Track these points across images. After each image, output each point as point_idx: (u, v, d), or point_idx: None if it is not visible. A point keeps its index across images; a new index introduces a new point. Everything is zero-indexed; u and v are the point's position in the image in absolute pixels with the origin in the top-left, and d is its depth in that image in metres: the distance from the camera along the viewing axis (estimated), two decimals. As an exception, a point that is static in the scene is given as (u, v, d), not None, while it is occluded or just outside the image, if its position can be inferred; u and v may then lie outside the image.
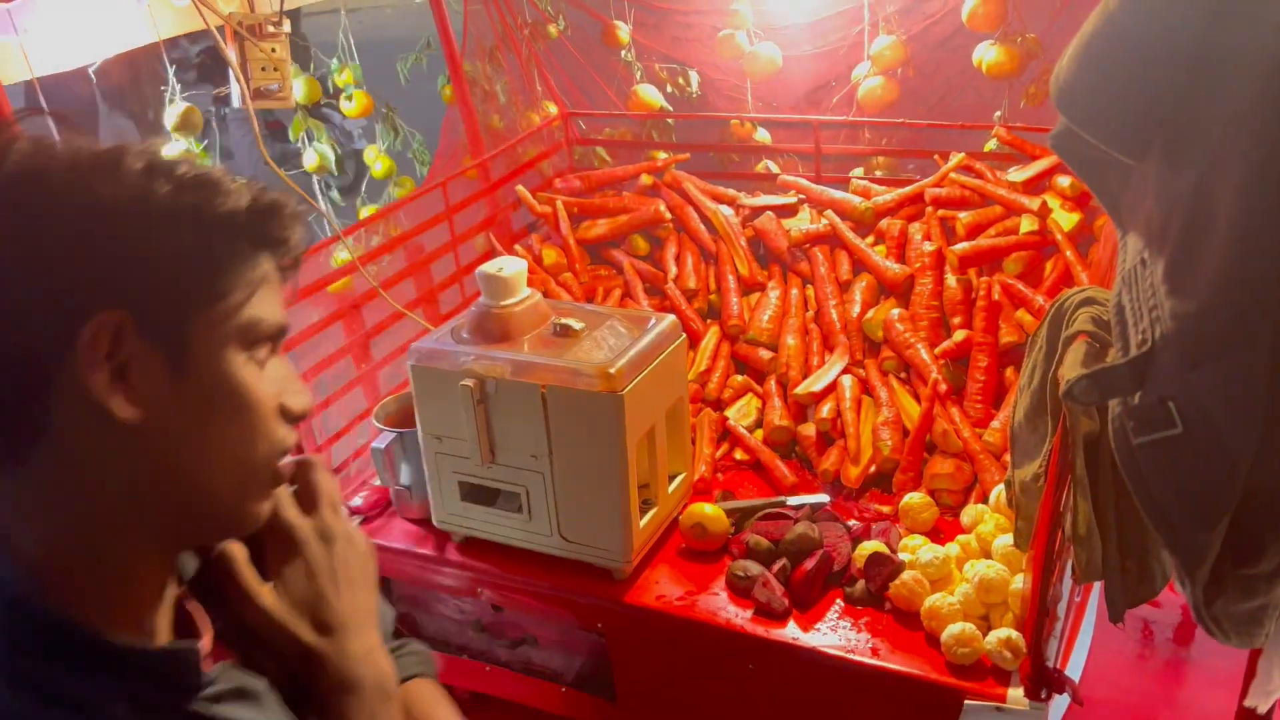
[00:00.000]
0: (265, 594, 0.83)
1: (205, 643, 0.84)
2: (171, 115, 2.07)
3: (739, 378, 2.13)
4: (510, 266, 1.72)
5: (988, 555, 1.64)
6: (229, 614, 0.84)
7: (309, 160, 2.42)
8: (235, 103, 2.08)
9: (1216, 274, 0.91)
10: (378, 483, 2.05)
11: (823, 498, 1.84)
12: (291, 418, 0.82)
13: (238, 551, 0.84)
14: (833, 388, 1.99)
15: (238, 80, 1.93)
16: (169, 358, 0.73)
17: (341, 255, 2.24)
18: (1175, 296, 0.95)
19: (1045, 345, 1.38)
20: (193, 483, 0.77)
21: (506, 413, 1.67)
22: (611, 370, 1.59)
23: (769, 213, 2.31)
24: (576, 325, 1.70)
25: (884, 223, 2.22)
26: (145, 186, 0.71)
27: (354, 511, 1.98)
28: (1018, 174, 2.14)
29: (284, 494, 0.87)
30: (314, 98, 2.38)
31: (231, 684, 0.80)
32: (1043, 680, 1.43)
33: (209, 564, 0.84)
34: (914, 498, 1.77)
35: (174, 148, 2.13)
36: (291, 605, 0.84)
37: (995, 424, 1.85)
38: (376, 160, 2.62)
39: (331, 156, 2.43)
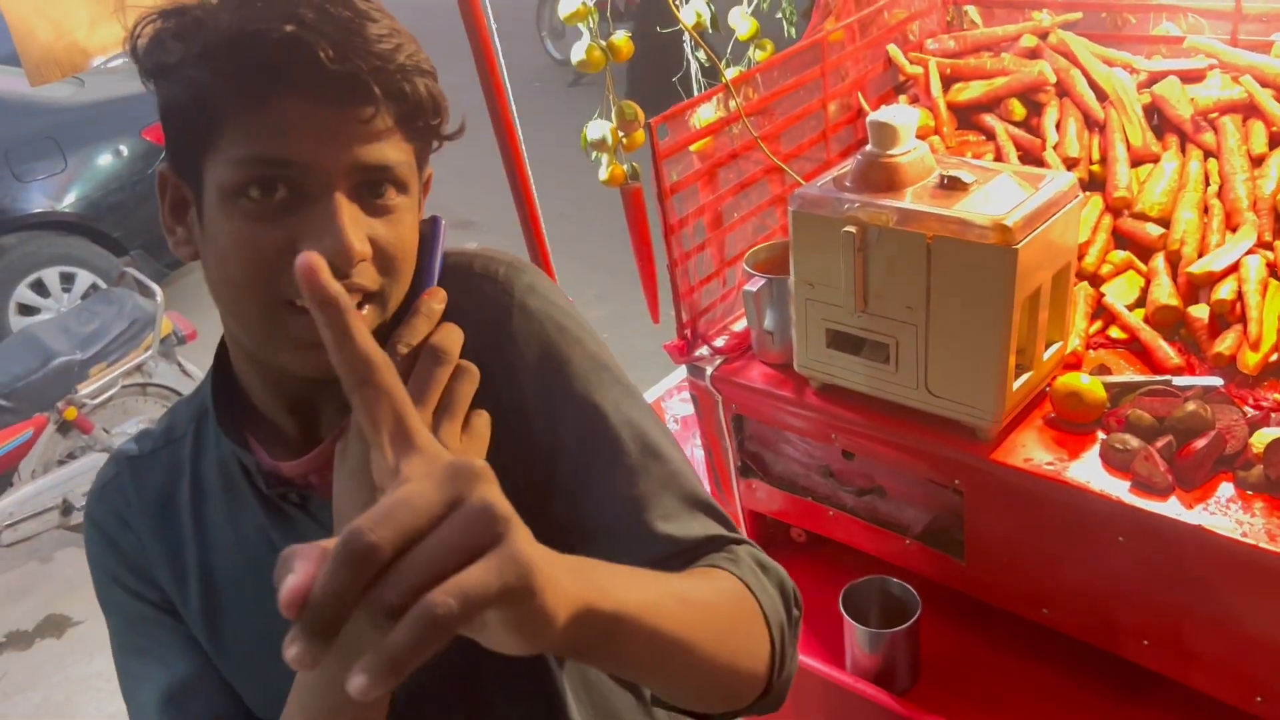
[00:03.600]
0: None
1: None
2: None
3: (1119, 254, 2.01)
4: (902, 115, 1.71)
5: None
6: None
7: (688, 17, 2.48)
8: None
9: None
10: (738, 328, 2.15)
11: (1215, 380, 1.73)
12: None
13: None
14: (1234, 267, 1.84)
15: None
16: (195, 200, 0.88)
17: (706, 116, 2.31)
18: None
19: None
20: (232, 319, 0.93)
21: (886, 262, 1.69)
22: (1008, 223, 1.55)
23: (1172, 77, 2.12)
24: (967, 178, 1.67)
25: (1313, 92, 1.98)
26: (164, 44, 0.83)
27: (716, 351, 2.09)
28: None
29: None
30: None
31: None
32: None
33: None
34: (1327, 389, 1.62)
35: (572, 1, 2.26)
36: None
37: None
38: (743, 21, 2.64)
39: (707, 14, 2.49)
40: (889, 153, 1.71)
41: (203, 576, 1.00)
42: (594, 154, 2.46)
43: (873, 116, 1.71)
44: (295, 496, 0.97)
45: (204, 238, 0.88)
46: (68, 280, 5.96)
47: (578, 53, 2.32)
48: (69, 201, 5.97)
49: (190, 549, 1.00)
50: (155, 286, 4.55)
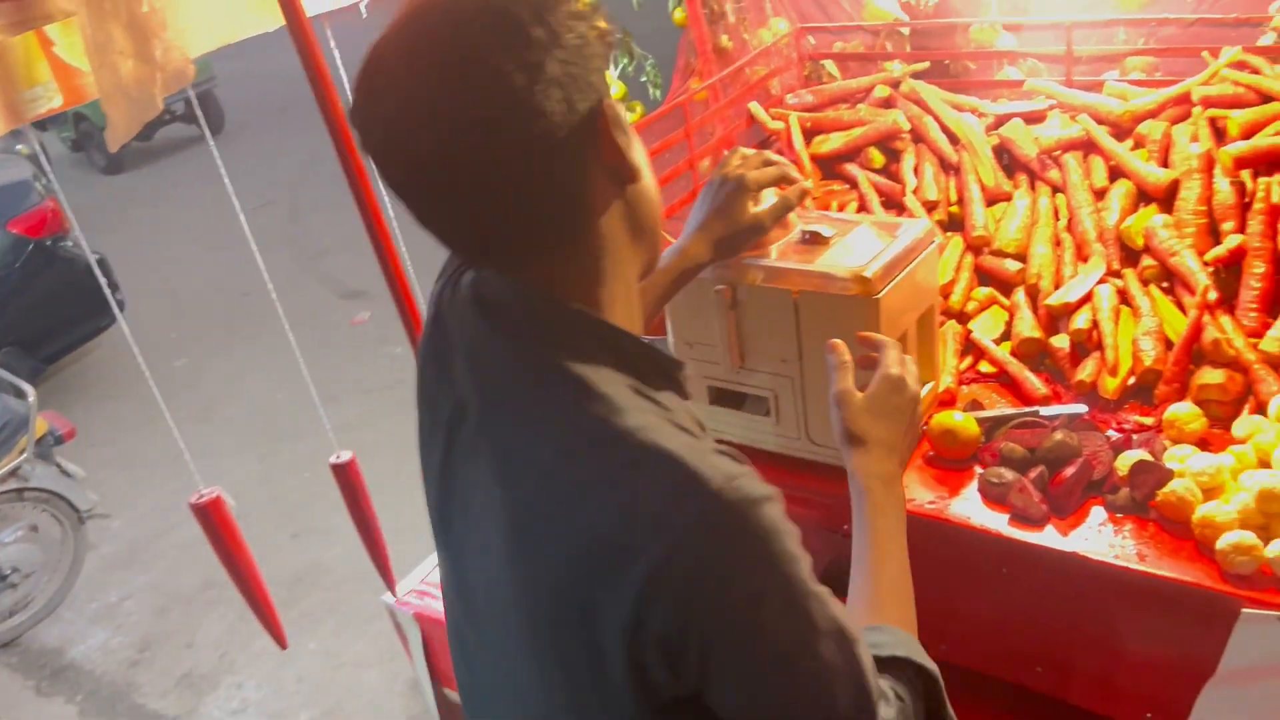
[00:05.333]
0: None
1: None
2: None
3: (983, 290, 2.09)
4: (761, 175, 1.75)
5: (1266, 466, 1.56)
6: None
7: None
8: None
9: None
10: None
11: (1080, 408, 1.80)
12: None
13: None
14: (1088, 298, 1.93)
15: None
16: (620, 132, 0.94)
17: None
18: None
19: (1352, 238, 1.29)
20: (651, 220, 1.01)
21: (758, 318, 1.72)
22: (867, 274, 1.60)
23: (1016, 120, 2.23)
24: (826, 232, 1.72)
25: (1144, 126, 2.11)
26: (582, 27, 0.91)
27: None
28: (1302, 67, 1.98)
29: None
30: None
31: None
32: (1334, 591, 1.37)
33: None
34: (1181, 408, 1.70)
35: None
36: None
37: (1274, 333, 1.74)
38: (611, 85, 2.69)
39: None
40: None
41: None
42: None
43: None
44: None
45: (629, 159, 0.97)
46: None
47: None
48: (-68, 301, 5.70)
49: None
50: (27, 386, 4.35)
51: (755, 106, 2.50)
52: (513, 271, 0.94)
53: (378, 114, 0.88)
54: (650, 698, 0.88)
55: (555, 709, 0.94)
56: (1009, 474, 1.67)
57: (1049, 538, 1.58)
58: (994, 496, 1.67)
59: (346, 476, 2.06)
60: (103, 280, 1.85)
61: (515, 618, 0.92)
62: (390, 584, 2.11)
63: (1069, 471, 1.62)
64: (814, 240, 1.72)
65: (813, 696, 0.91)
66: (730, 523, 0.84)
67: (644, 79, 2.71)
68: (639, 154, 0.98)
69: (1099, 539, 1.56)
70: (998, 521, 1.64)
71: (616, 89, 2.67)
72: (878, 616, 1.20)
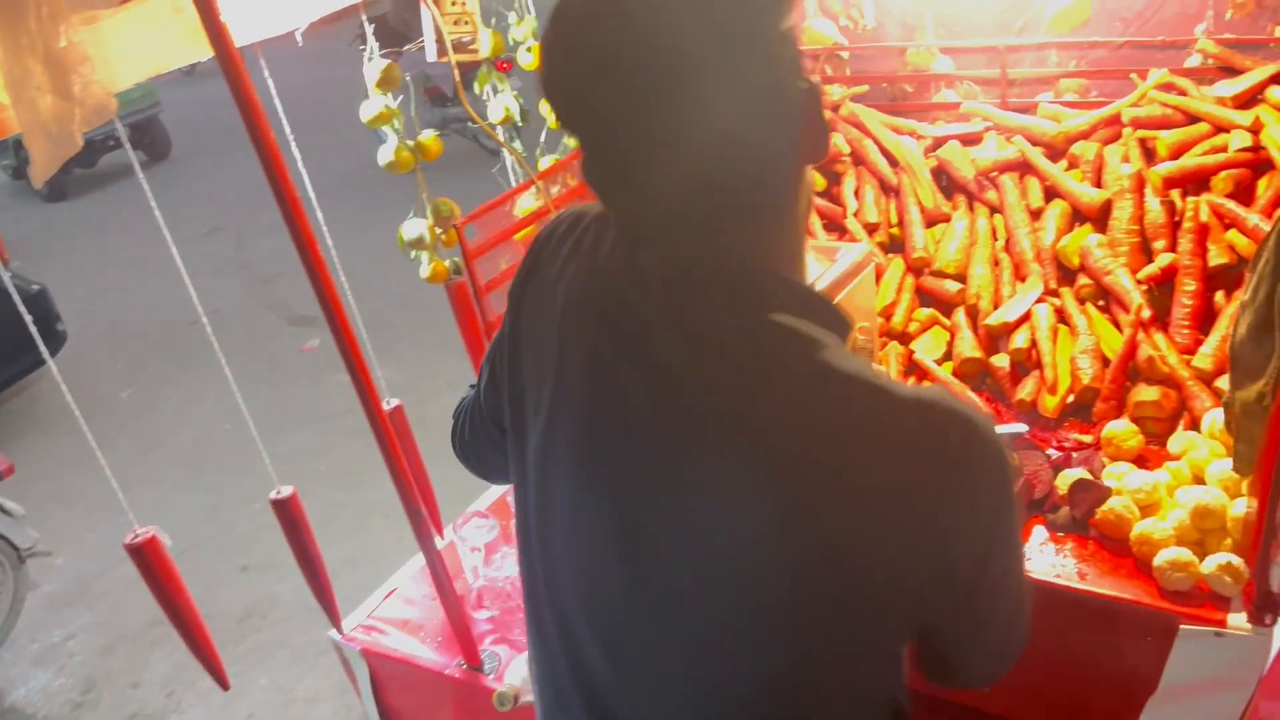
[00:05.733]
0: None
1: None
2: (372, 72, 2.19)
3: (925, 310, 2.10)
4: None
5: (1200, 482, 1.58)
6: None
7: (496, 113, 2.51)
8: (431, 56, 2.17)
9: None
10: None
11: (1020, 427, 1.82)
12: None
13: None
14: (1026, 317, 1.95)
15: (439, 32, 2.02)
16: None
17: (527, 205, 2.33)
18: None
19: (1273, 258, 1.32)
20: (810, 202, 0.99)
21: (700, 344, 1.71)
22: (806, 298, 1.60)
23: (953, 142, 2.26)
24: (767, 257, 1.72)
25: (1077, 147, 2.14)
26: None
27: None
28: (1227, 88, 2.02)
29: None
30: (498, 50, 2.46)
31: None
32: (1268, 605, 1.38)
33: None
34: (1118, 426, 1.72)
35: (373, 104, 2.25)
36: None
37: (1205, 349, 1.77)
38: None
39: (516, 108, 2.51)
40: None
41: None
42: (413, 253, 2.44)
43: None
44: None
45: None
46: None
47: (385, 155, 2.30)
48: None
49: None
50: (-36, 423, 4.23)
51: (698, 131, 2.51)
52: (730, 243, 0.90)
53: (633, 57, 0.82)
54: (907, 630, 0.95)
55: (788, 668, 0.93)
56: (952, 495, 1.67)
57: (992, 558, 1.59)
58: (937, 518, 1.68)
59: (288, 512, 2.01)
60: (28, 317, 1.80)
61: (771, 583, 0.89)
62: (335, 620, 2.07)
63: (1010, 491, 1.63)
64: (754, 265, 1.72)
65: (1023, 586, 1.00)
66: (999, 453, 0.88)
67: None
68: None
69: (1041, 558, 1.58)
70: (941, 543, 1.64)
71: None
72: None
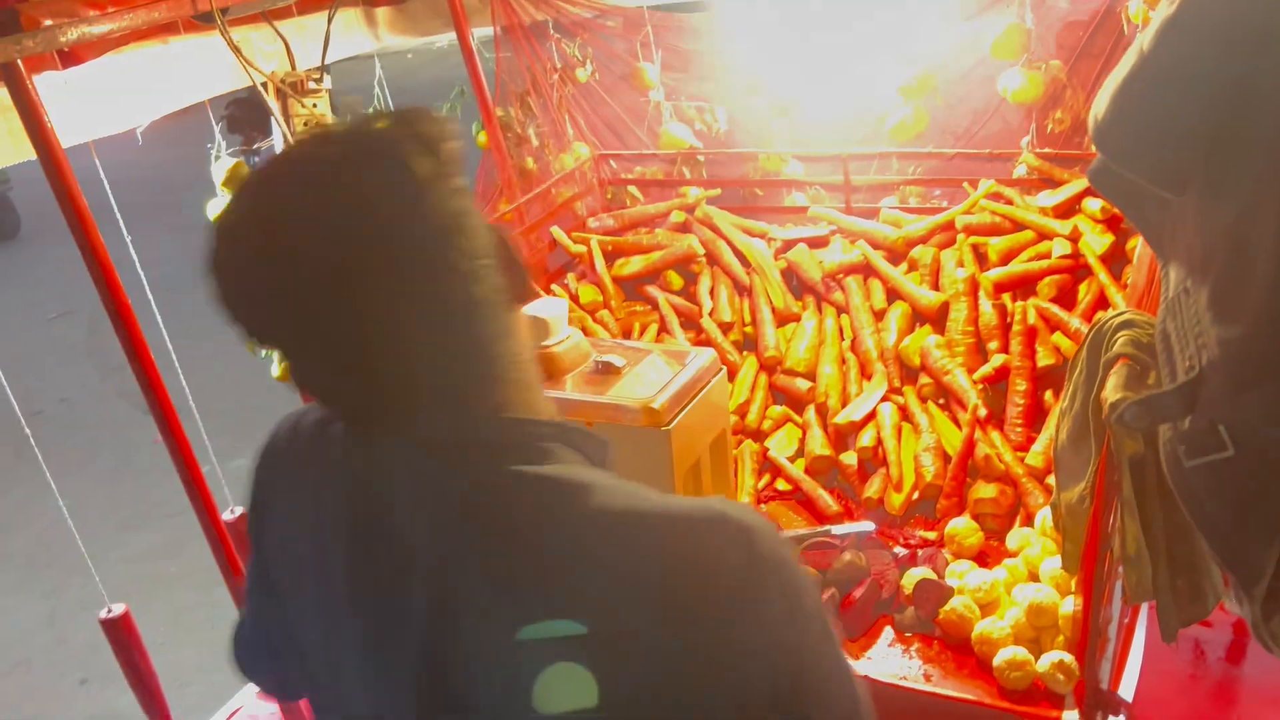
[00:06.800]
0: None
1: None
2: (219, 171, 2.14)
3: (778, 408, 2.15)
4: (552, 308, 1.76)
5: (1036, 579, 1.64)
6: None
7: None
8: (279, 157, 2.14)
9: (1261, 302, 0.93)
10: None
11: (868, 525, 1.86)
12: None
13: None
14: (872, 415, 2.01)
15: (285, 136, 1.99)
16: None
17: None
18: (1221, 324, 0.98)
19: (1086, 368, 1.40)
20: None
21: (553, 450, 1.70)
22: (655, 405, 1.62)
23: (801, 244, 2.35)
24: (618, 362, 1.73)
25: (916, 251, 2.25)
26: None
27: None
28: (1048, 199, 2.17)
29: None
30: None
31: None
32: (1098, 702, 1.43)
33: None
34: (959, 523, 1.78)
35: (221, 202, 2.20)
36: None
37: (1037, 447, 1.86)
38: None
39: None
40: (545, 344, 1.75)
41: None
42: (263, 353, 2.36)
43: (524, 311, 1.75)
44: None
45: None
46: None
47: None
48: None
49: None
50: None
51: (557, 230, 2.53)
52: (462, 404, 0.89)
53: (285, 280, 0.82)
54: None
55: None
56: (803, 597, 1.69)
57: (842, 661, 1.60)
58: (790, 621, 1.69)
59: (118, 633, 1.89)
60: None
61: None
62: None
63: (858, 593, 1.66)
64: (606, 370, 1.73)
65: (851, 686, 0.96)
66: (777, 554, 0.86)
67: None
68: None
69: (889, 660, 1.60)
70: (793, 646, 1.65)
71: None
72: None
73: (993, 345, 2.03)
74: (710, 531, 0.84)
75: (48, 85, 1.65)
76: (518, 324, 0.94)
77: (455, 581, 0.89)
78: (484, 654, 0.90)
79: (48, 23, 1.50)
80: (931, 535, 1.84)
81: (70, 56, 1.86)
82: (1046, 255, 2.09)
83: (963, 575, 1.67)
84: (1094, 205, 2.10)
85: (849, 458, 2.00)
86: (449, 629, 0.91)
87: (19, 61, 1.49)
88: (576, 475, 0.88)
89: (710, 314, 2.31)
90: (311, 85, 2.08)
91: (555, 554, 0.86)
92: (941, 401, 2.03)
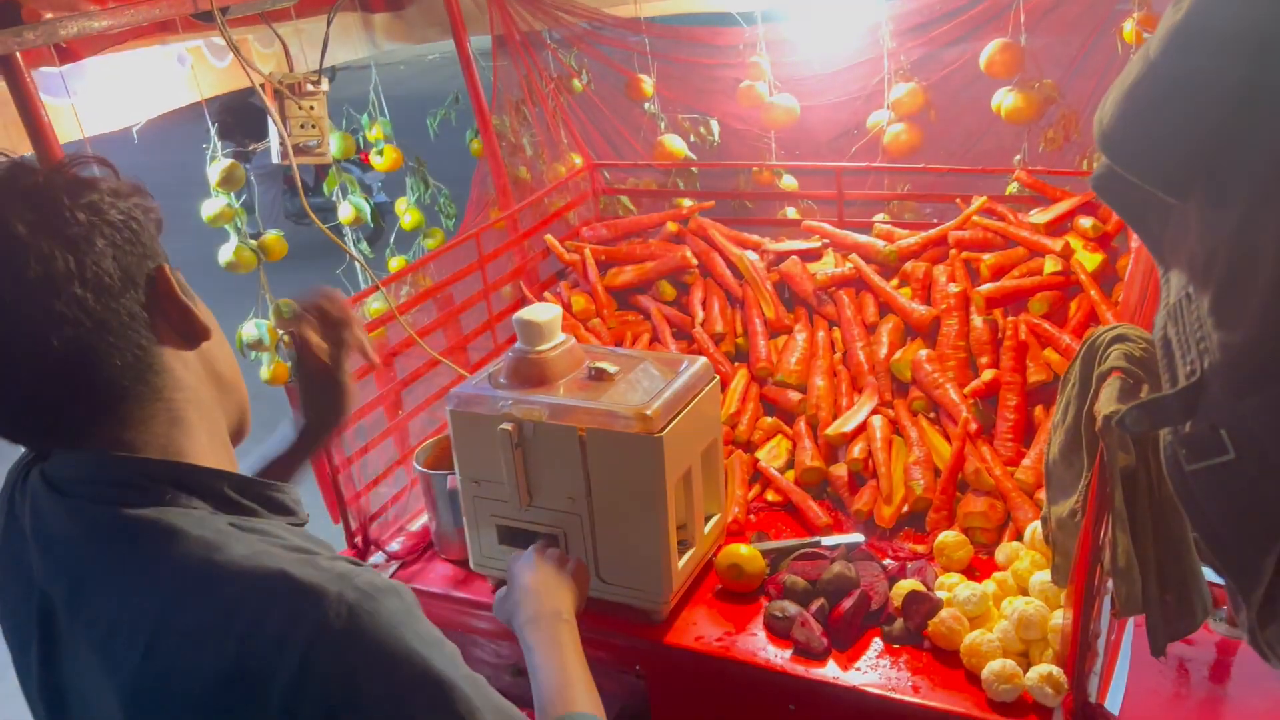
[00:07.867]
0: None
1: None
2: (214, 172, 2.13)
3: (768, 419, 2.15)
4: (545, 312, 1.76)
5: (1024, 592, 1.65)
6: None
7: (344, 213, 2.48)
8: (275, 159, 2.14)
9: (1262, 306, 0.94)
10: (415, 527, 2.08)
11: (857, 537, 1.86)
12: None
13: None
14: (863, 428, 2.02)
15: (280, 137, 1.99)
16: (183, 295, 0.97)
17: (375, 306, 2.29)
18: (1223, 329, 0.98)
19: (1078, 382, 1.40)
20: (231, 371, 1.05)
21: (544, 456, 1.70)
22: (648, 412, 1.61)
23: (794, 257, 2.35)
24: (611, 369, 1.73)
25: (908, 265, 2.26)
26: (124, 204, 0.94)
27: (392, 556, 2.00)
28: (1039, 216, 2.18)
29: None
30: (348, 153, 2.44)
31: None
32: (1086, 716, 1.44)
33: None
34: (949, 536, 1.78)
35: (215, 203, 2.19)
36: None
37: (1026, 462, 1.86)
38: (406, 213, 2.67)
39: (366, 210, 2.49)
40: (538, 349, 1.74)
41: None
42: (252, 354, 2.35)
43: (519, 315, 1.75)
44: None
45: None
46: None
47: (225, 254, 2.24)
48: None
49: None
50: None
51: (550, 238, 2.54)
52: (85, 443, 0.93)
53: None
54: None
55: None
56: (792, 607, 1.69)
57: (831, 672, 1.60)
58: (779, 630, 1.69)
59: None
60: None
61: None
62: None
63: (847, 604, 1.66)
64: (599, 376, 1.73)
65: None
66: (353, 628, 0.82)
67: (437, 208, 2.71)
68: (205, 314, 1.01)
69: (877, 671, 1.60)
70: (782, 657, 1.65)
71: (411, 217, 2.65)
72: (568, 706, 1.28)
73: (983, 359, 2.04)
74: (275, 605, 0.83)
75: (45, 80, 1.64)
76: (172, 362, 0.96)
77: (56, 621, 0.93)
78: (85, 692, 0.92)
79: (48, 16, 1.50)
80: (921, 548, 1.84)
81: (68, 53, 1.85)
82: (1038, 271, 2.10)
83: (952, 588, 1.68)
84: (1086, 223, 2.11)
85: (839, 469, 2.00)
86: (53, 668, 0.95)
87: (18, 54, 1.49)
88: (166, 521, 0.89)
89: (702, 324, 2.31)
90: (309, 88, 2.08)
91: (128, 600, 0.87)
92: (932, 415, 2.04)
